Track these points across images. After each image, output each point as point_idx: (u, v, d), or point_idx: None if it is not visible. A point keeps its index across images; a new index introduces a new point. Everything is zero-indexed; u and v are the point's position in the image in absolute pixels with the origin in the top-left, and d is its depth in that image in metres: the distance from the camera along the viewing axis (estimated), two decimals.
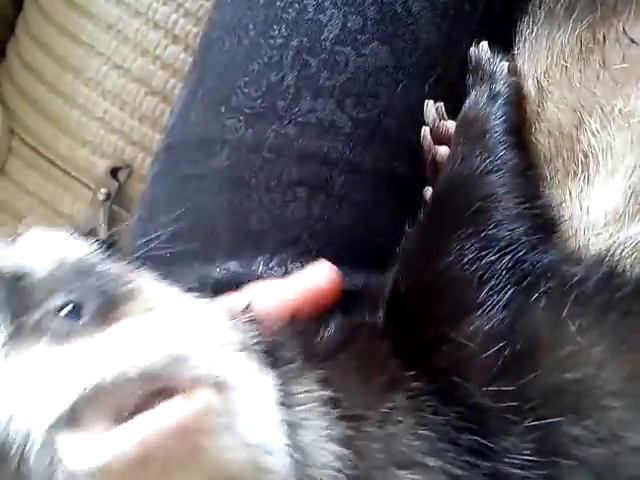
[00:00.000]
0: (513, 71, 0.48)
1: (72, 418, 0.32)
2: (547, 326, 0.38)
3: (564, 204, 0.44)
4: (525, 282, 0.40)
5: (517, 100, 0.47)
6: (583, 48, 0.43)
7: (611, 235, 0.41)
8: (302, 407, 0.36)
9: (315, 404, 0.37)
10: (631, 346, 0.37)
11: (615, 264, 0.40)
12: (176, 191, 0.60)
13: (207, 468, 0.33)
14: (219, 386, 0.34)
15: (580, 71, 0.43)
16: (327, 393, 0.37)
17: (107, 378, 0.33)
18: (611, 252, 0.40)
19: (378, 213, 0.54)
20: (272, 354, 0.39)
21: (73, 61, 0.82)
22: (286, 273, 0.54)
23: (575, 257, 0.41)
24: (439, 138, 0.50)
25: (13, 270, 0.38)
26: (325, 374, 0.38)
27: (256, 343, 0.38)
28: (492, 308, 0.39)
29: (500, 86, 0.47)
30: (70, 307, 0.35)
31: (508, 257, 0.40)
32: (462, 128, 0.48)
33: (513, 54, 0.50)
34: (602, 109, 0.41)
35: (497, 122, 0.45)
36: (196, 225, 0.57)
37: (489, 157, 0.44)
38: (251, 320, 0.40)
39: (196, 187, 0.58)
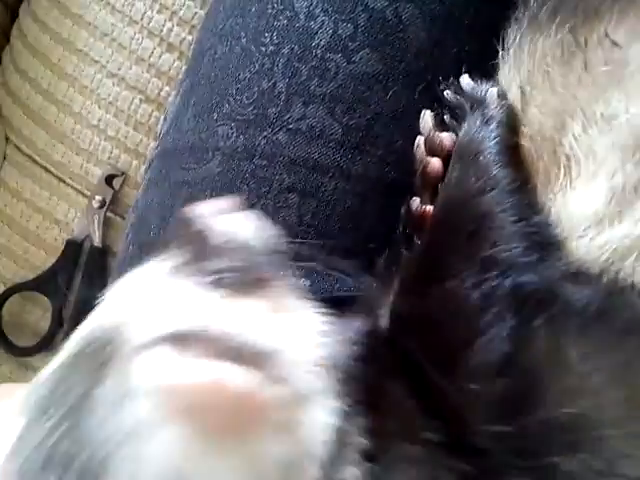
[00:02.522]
0: (503, 95, 0.48)
1: (177, 340, 0.33)
2: (547, 357, 0.37)
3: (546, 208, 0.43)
4: (526, 308, 0.38)
5: (511, 122, 0.46)
6: (565, 52, 0.43)
7: (591, 238, 0.41)
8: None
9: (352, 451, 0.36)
10: (631, 370, 0.37)
11: (617, 282, 0.39)
12: (168, 198, 0.60)
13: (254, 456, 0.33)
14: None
15: (562, 75, 0.43)
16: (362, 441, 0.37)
17: (228, 331, 0.34)
18: (609, 266, 0.40)
19: (369, 219, 0.54)
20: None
21: (68, 69, 0.83)
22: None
23: (579, 273, 0.40)
24: (433, 149, 0.50)
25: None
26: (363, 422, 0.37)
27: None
28: (493, 339, 0.38)
29: (492, 110, 0.46)
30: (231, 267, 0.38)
31: (508, 281, 0.39)
32: (457, 154, 0.47)
33: (498, 79, 0.50)
34: (584, 113, 0.41)
35: (491, 143, 0.45)
36: None
37: (483, 177, 0.43)
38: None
39: (188, 194, 0.58)
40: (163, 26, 0.81)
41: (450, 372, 0.38)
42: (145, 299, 0.38)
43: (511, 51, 0.48)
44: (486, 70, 0.52)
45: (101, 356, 0.34)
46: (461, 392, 0.38)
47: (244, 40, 0.57)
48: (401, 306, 0.43)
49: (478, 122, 0.47)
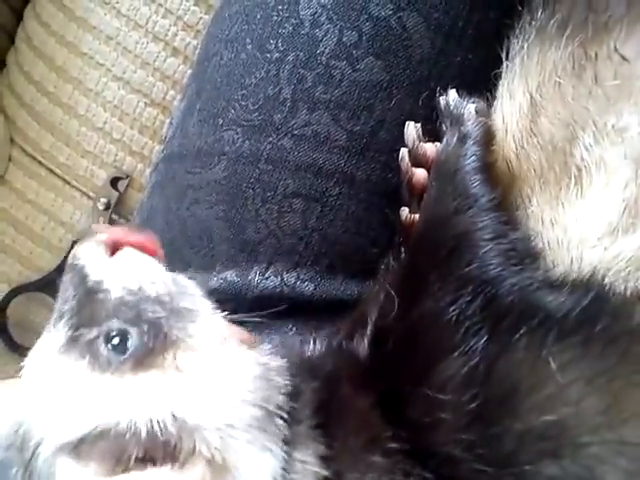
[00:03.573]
0: (482, 111, 0.48)
1: (77, 449, 0.35)
2: (527, 367, 0.38)
3: (557, 217, 0.44)
4: (505, 322, 0.39)
5: (487, 139, 0.47)
6: (575, 65, 0.44)
7: (605, 248, 0.41)
8: (298, 475, 0.37)
9: (310, 472, 0.38)
10: (611, 376, 0.37)
11: (598, 290, 0.40)
12: (173, 201, 0.61)
13: None
14: (216, 464, 0.36)
15: (573, 87, 0.44)
16: (322, 471, 0.38)
17: (120, 424, 0.36)
18: (597, 271, 0.40)
19: (372, 224, 0.55)
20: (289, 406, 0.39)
21: (73, 72, 0.83)
22: (282, 283, 0.55)
23: (559, 283, 0.41)
24: (417, 160, 0.51)
25: (96, 281, 0.41)
26: (322, 441, 0.39)
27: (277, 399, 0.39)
28: (467, 352, 0.39)
29: (469, 127, 0.47)
30: (118, 339, 0.39)
31: (482, 296, 0.40)
32: (435, 171, 0.48)
33: (493, 99, 0.51)
34: (595, 124, 0.42)
35: (467, 162, 0.46)
36: (193, 235, 0.58)
37: (460, 196, 0.44)
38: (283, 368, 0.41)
39: (193, 198, 0.59)
40: (168, 30, 0.81)
41: (421, 384, 0.39)
42: (43, 391, 0.39)
43: (517, 60, 0.49)
44: (489, 79, 0.52)
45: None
46: (431, 402, 0.39)
47: (250, 46, 0.58)
48: (382, 324, 0.44)
49: (454, 139, 0.48)
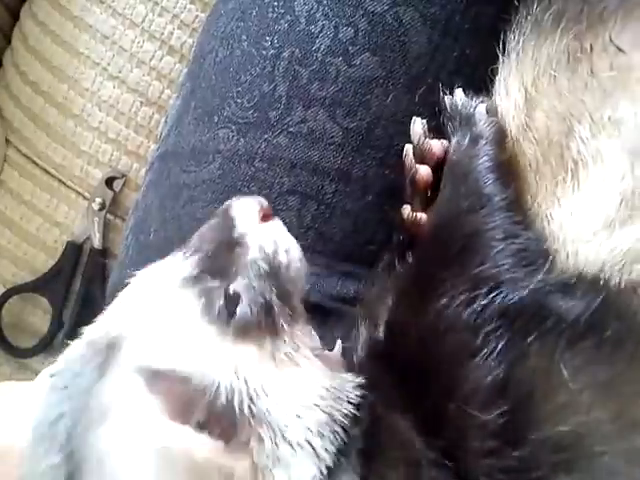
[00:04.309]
0: (492, 110, 0.48)
1: (154, 378, 0.35)
2: (540, 374, 0.37)
3: (552, 212, 0.43)
4: (518, 324, 0.38)
5: (500, 138, 0.47)
6: (571, 58, 0.44)
7: (601, 243, 0.41)
8: None
9: None
10: (620, 382, 0.37)
11: (607, 292, 0.39)
12: (168, 200, 0.60)
13: None
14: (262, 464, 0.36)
15: (568, 80, 0.43)
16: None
17: (203, 380, 0.36)
18: (603, 273, 0.40)
19: (369, 221, 0.55)
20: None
21: (69, 72, 0.83)
22: None
23: (571, 285, 0.40)
24: (422, 156, 0.50)
25: (240, 235, 0.42)
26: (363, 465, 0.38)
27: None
28: (487, 360, 0.38)
29: (481, 127, 0.46)
30: (234, 301, 0.39)
31: (497, 298, 0.39)
32: (448, 172, 0.47)
33: (490, 94, 0.50)
34: (591, 117, 0.42)
35: (480, 162, 0.45)
36: (188, 234, 0.58)
37: (472, 195, 0.44)
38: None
39: (188, 196, 0.58)
40: (164, 29, 0.81)
41: (447, 393, 0.38)
42: (150, 311, 0.39)
43: (513, 55, 0.48)
44: (486, 74, 0.52)
45: (100, 362, 0.36)
46: (460, 415, 0.38)
47: (245, 43, 0.57)
48: (395, 324, 0.44)
49: (467, 140, 0.47)
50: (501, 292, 0.39)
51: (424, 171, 0.48)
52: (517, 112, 0.46)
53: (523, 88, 0.46)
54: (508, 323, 0.39)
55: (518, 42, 0.48)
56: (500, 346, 0.38)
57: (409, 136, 0.53)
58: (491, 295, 0.39)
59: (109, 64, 0.82)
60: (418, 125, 0.51)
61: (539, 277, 0.40)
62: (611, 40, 0.42)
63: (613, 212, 0.40)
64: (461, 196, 0.44)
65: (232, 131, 0.56)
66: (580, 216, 0.42)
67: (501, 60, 0.49)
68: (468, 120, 0.48)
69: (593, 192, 0.41)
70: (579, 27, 0.44)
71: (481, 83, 0.52)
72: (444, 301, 0.40)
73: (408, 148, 0.51)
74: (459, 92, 0.50)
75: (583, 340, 0.38)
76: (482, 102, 0.48)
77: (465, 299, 0.40)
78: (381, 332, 0.46)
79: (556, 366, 0.37)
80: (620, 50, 0.42)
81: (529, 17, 0.48)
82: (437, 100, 0.53)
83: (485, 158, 0.45)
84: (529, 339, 0.38)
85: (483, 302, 0.39)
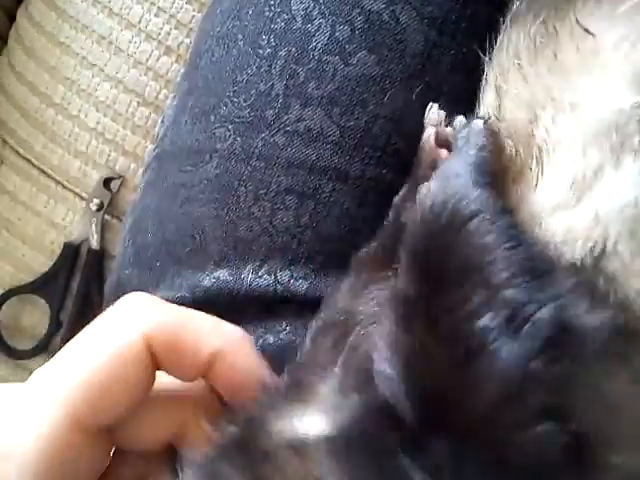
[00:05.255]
0: (488, 123, 0.45)
1: None
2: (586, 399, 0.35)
3: (515, 202, 0.42)
4: (537, 346, 0.35)
5: (496, 146, 0.44)
6: (537, 43, 0.43)
7: (552, 224, 0.40)
8: None
9: None
10: None
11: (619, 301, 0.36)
12: (166, 200, 0.60)
13: None
14: None
15: (532, 66, 0.43)
16: None
17: None
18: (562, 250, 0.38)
19: (366, 220, 0.54)
20: None
21: (66, 72, 0.83)
22: (275, 281, 0.54)
23: (587, 296, 0.37)
24: (440, 142, 0.49)
25: None
26: None
27: None
28: (527, 391, 0.35)
29: (477, 139, 0.44)
30: None
31: (519, 318, 0.35)
32: (439, 174, 0.44)
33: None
34: (554, 102, 0.41)
35: (471, 167, 0.42)
36: (185, 234, 0.58)
37: (465, 199, 0.40)
38: None
39: (185, 196, 0.58)
40: (161, 29, 0.81)
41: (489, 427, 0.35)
42: None
43: (493, 52, 0.48)
44: (483, 72, 0.52)
45: None
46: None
47: (241, 43, 0.57)
48: (410, 362, 0.38)
49: (464, 147, 0.44)
50: (520, 312, 0.36)
51: (446, 155, 0.47)
52: (492, 107, 0.46)
53: (495, 82, 0.46)
54: (539, 346, 0.35)
55: (501, 40, 0.47)
56: (538, 374, 0.35)
57: (406, 134, 0.53)
58: (509, 315, 0.35)
59: (106, 65, 0.82)
60: (436, 110, 0.50)
61: (549, 291, 0.37)
62: (577, 21, 0.41)
63: (565, 195, 0.39)
64: (456, 198, 0.40)
65: (229, 130, 0.56)
66: (535, 201, 0.41)
67: (485, 60, 0.49)
68: (467, 136, 0.45)
69: (552, 176, 0.40)
70: (548, 11, 0.43)
71: (478, 82, 0.52)
72: (459, 326, 0.36)
73: (430, 132, 0.49)
74: (460, 118, 0.48)
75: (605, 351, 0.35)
76: (479, 118, 0.47)
77: (477, 311, 0.36)
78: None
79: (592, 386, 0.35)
80: (587, 32, 0.41)
81: (510, 12, 0.47)
82: (434, 99, 0.52)
83: (479, 163, 0.43)
84: (559, 361, 0.35)
85: (498, 321, 0.36)
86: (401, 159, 0.54)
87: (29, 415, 0.36)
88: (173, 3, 0.80)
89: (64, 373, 0.37)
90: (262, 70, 0.55)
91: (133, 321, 0.39)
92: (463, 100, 0.51)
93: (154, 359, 0.38)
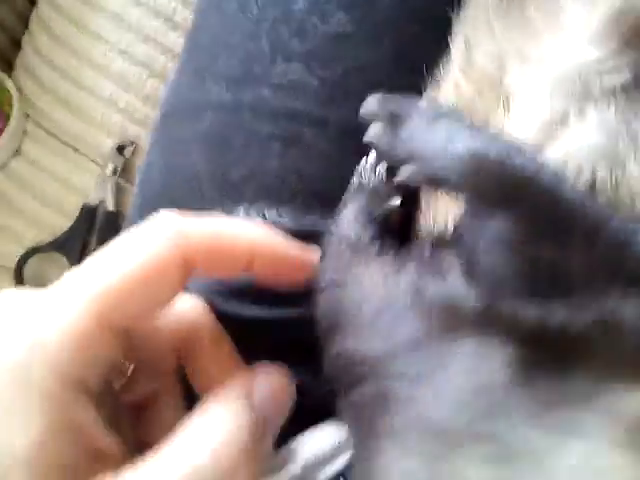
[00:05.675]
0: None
1: None
2: None
3: None
4: None
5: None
6: (505, 3, 0.48)
7: None
8: None
9: None
10: None
11: None
12: (167, 155, 0.66)
13: None
14: None
15: (500, 20, 0.47)
16: None
17: None
18: None
19: (345, 163, 0.60)
20: None
21: (82, 49, 0.90)
22: (264, 219, 0.60)
23: None
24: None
25: None
26: None
27: None
28: None
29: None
30: None
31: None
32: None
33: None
34: (521, 55, 0.45)
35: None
36: (183, 181, 0.64)
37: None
38: None
39: (184, 149, 0.64)
40: (168, 6, 0.87)
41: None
42: None
43: (463, 8, 0.53)
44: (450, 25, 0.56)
45: None
46: None
47: (233, 7, 0.63)
48: None
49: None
50: None
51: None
52: (460, 60, 0.50)
53: (464, 35, 0.50)
54: None
55: None
56: None
57: (378, 84, 0.58)
58: None
59: (118, 40, 0.89)
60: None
61: None
62: None
63: (532, 137, 0.43)
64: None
65: (221, 87, 0.62)
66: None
67: (456, 13, 0.54)
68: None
69: (516, 124, 0.44)
70: None
71: (449, 34, 0.57)
72: None
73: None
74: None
75: None
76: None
77: None
78: None
79: None
80: None
81: None
82: (405, 50, 0.58)
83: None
84: None
85: None
86: None
87: (56, 309, 0.37)
88: None
89: (95, 273, 0.38)
90: (251, 31, 0.61)
91: (167, 227, 0.40)
92: (433, 51, 0.56)
93: (187, 264, 0.39)
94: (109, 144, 0.89)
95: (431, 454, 0.32)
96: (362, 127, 0.62)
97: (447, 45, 0.56)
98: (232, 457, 0.34)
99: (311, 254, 0.47)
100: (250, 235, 0.43)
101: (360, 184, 0.50)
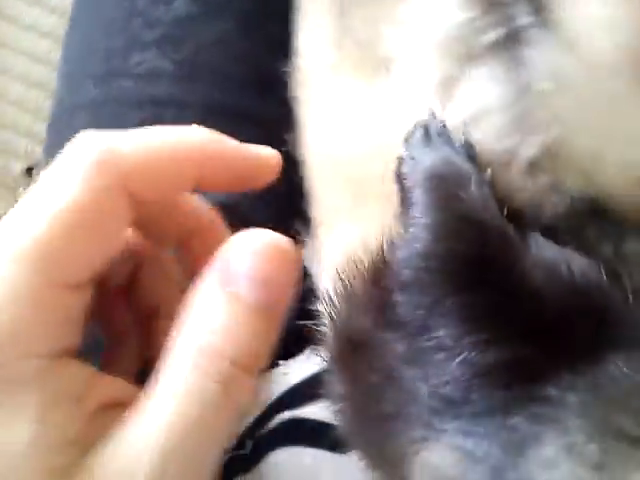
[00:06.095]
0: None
1: None
2: None
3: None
4: None
5: None
6: None
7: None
8: None
9: None
10: None
11: None
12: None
13: None
14: None
15: None
16: None
17: None
18: None
19: None
20: None
21: None
22: None
23: None
24: None
25: None
26: None
27: None
28: None
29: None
30: None
31: None
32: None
33: None
34: (393, 20, 0.46)
35: None
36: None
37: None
38: None
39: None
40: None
41: None
42: None
43: None
44: None
45: None
46: None
47: (91, 12, 0.68)
48: None
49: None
50: None
51: None
52: (333, 28, 0.51)
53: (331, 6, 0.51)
54: None
55: None
56: None
57: (228, 55, 0.62)
58: None
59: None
60: None
61: None
62: None
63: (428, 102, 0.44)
64: None
65: (91, 84, 0.66)
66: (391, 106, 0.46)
67: None
68: None
69: (402, 86, 0.46)
70: None
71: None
72: None
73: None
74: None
75: None
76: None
77: None
78: None
79: None
80: None
81: None
82: (250, 21, 0.62)
83: None
84: None
85: None
86: (232, 81, 0.63)
87: None
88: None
89: (22, 227, 0.30)
90: (104, 31, 0.66)
91: (90, 150, 0.34)
92: (280, 17, 0.60)
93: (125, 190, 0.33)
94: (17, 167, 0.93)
95: None
96: (225, 105, 0.66)
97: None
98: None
99: (271, 151, 0.41)
100: (193, 142, 0.37)
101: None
